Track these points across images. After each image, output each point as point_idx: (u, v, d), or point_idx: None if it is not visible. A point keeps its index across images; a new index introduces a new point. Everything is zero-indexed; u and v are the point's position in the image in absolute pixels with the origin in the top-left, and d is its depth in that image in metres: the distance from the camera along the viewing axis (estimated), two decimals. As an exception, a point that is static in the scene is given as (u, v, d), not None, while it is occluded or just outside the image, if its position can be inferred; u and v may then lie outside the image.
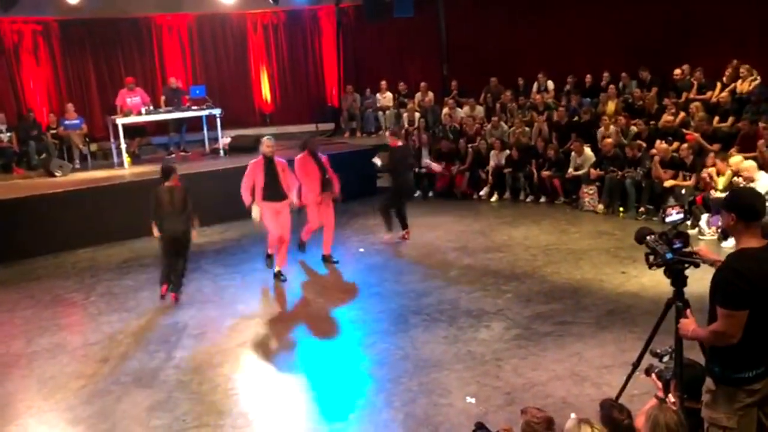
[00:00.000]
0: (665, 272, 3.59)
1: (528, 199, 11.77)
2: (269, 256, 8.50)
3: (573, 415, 3.25)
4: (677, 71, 12.08)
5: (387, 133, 10.44)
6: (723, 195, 8.97)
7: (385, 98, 15.41)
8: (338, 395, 5.49)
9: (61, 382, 5.96)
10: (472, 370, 5.69)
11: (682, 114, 11.06)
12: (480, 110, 14.04)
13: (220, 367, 6.11)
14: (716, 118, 10.80)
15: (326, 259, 8.92)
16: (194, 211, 7.74)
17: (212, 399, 5.52)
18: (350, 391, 5.54)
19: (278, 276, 8.31)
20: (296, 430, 5.06)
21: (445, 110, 14.04)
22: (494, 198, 12.07)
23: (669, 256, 3.51)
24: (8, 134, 12.70)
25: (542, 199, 11.60)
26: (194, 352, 6.44)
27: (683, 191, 9.63)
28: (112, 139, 12.83)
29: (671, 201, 9.53)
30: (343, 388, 5.60)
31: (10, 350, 6.76)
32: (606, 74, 13.06)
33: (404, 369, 5.82)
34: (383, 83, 15.43)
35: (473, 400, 5.17)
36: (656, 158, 10.18)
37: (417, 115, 14.35)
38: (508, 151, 12.09)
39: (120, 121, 12.38)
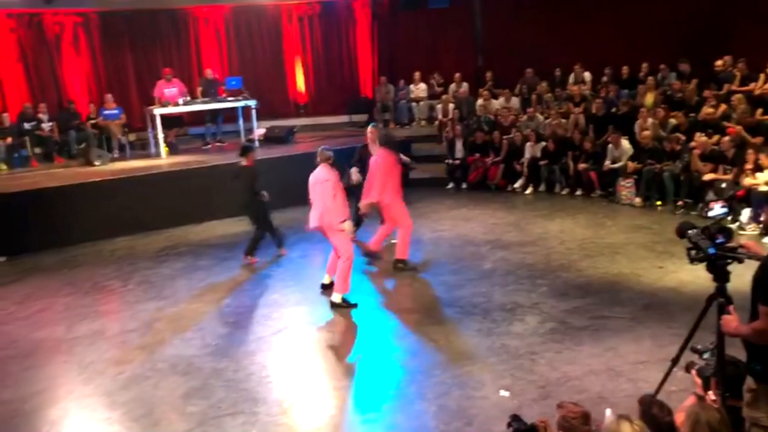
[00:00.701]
0: (707, 267, 3.53)
1: (564, 192, 11.64)
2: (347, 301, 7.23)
3: (608, 411, 3.21)
4: (719, 62, 11.80)
5: (368, 129, 8.72)
6: (766, 189, 8.78)
7: (419, 89, 15.35)
8: (371, 386, 5.51)
9: (100, 368, 6.09)
10: (506, 363, 5.66)
11: (723, 106, 10.81)
12: (515, 101, 13.93)
13: (255, 355, 6.18)
14: (759, 111, 10.54)
15: (402, 264, 8.23)
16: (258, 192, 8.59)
17: (247, 387, 5.58)
18: (383, 382, 5.55)
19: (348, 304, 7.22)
20: (329, 418, 5.08)
21: (480, 101, 13.94)
22: (529, 190, 11.96)
23: (712, 250, 3.45)
24: (50, 124, 12.99)
25: (578, 192, 11.46)
26: (229, 340, 6.52)
27: (723, 185, 9.42)
28: (149, 129, 13.04)
29: (711, 195, 9.34)
30: (376, 379, 5.61)
31: (52, 335, 6.93)
32: (644, 65, 12.84)
33: (437, 361, 5.81)
34: (417, 74, 15.37)
35: (507, 394, 5.14)
36: (695, 151, 9.97)
37: (451, 106, 14.27)
38: (543, 143, 11.97)
39: (157, 111, 12.58)
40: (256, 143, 13.14)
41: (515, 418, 3.53)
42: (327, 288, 7.52)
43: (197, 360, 6.11)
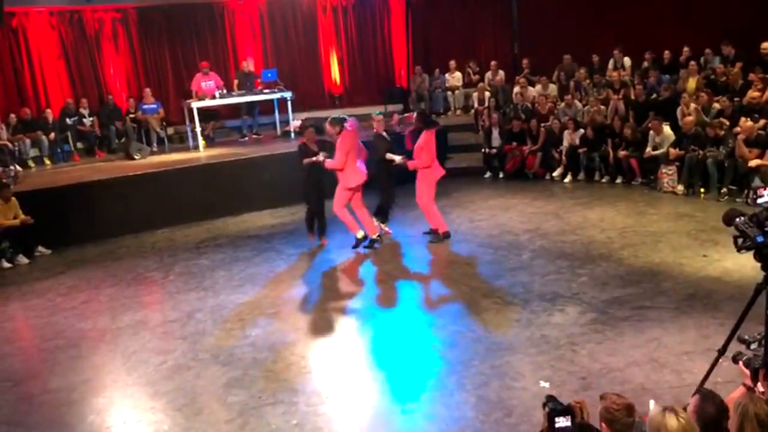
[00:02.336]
0: (755, 256, 3.43)
1: (603, 180, 11.44)
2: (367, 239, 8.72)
3: (652, 402, 3.15)
4: (764, 45, 11.45)
5: (374, 117, 9.82)
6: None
7: (454, 78, 15.23)
8: (410, 376, 5.50)
9: (143, 358, 6.20)
10: (545, 354, 5.60)
11: (770, 90, 10.51)
12: (553, 88, 13.73)
13: (294, 345, 6.22)
14: (808, 94, 10.23)
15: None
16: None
17: (286, 377, 5.62)
18: (422, 372, 5.54)
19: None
20: (368, 408, 5.10)
21: (517, 89, 13.77)
22: (568, 179, 11.79)
23: (760, 239, 3.35)
24: (91, 119, 13.25)
25: (618, 180, 11.25)
26: (268, 331, 6.58)
27: (770, 171, 9.17)
28: (187, 123, 13.20)
29: (757, 182, 9.09)
30: (414, 369, 5.60)
31: (96, 326, 7.08)
32: (686, 49, 12.53)
33: (476, 352, 5.78)
34: (452, 63, 15.25)
35: (547, 385, 5.09)
36: (740, 137, 9.70)
37: (487, 94, 14.13)
38: (582, 131, 11.78)
39: (195, 105, 12.72)
40: (292, 135, 13.21)
41: (551, 399, 3.49)
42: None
43: (238, 350, 6.18)
